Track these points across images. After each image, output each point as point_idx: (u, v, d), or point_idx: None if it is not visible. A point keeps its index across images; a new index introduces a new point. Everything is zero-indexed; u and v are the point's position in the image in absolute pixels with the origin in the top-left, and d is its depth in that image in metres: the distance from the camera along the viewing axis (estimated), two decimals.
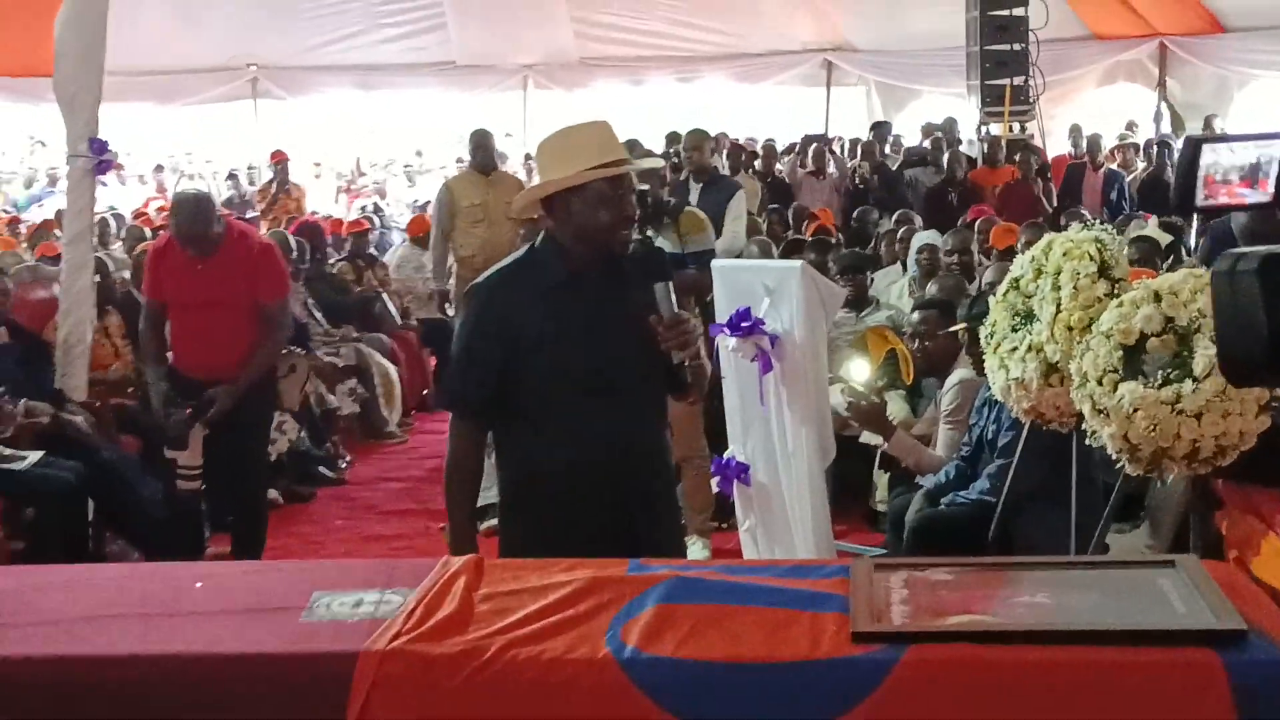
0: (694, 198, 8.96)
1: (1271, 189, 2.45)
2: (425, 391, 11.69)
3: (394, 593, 2.74)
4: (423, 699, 2.44)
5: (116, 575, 3.08)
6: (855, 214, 12.14)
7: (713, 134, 14.93)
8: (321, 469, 9.05)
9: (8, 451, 6.56)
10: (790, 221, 11.97)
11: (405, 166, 20.46)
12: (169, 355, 6.57)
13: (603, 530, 3.63)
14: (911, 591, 2.64)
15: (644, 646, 2.47)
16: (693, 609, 2.59)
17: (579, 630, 2.54)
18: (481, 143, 10.20)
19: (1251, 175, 2.45)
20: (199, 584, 2.87)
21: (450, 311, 10.88)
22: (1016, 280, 4.69)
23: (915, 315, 6.64)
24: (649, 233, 6.80)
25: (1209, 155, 2.45)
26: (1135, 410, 3.79)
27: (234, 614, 2.69)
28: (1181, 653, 2.35)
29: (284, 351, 8.01)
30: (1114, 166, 14.98)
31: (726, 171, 13.32)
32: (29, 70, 16.10)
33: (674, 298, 3.57)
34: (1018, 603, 2.63)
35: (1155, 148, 14.99)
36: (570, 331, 3.61)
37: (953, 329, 6.17)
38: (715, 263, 6.04)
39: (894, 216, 11.00)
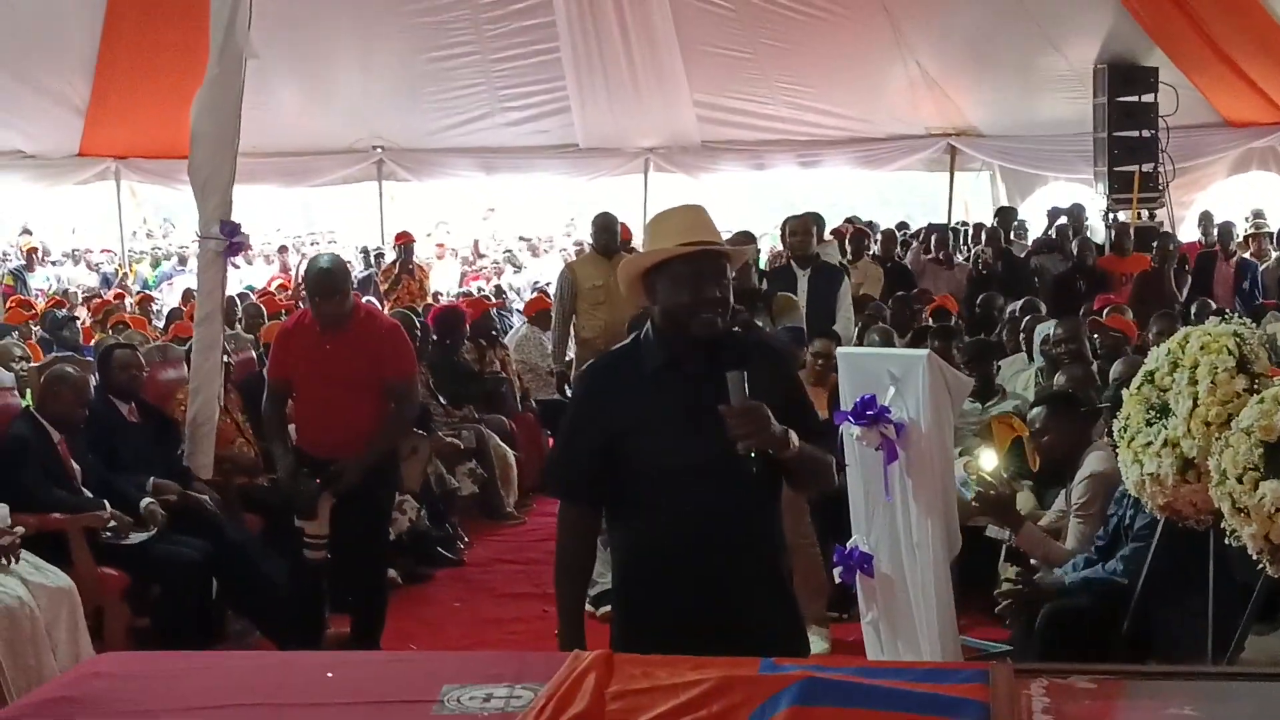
0: (801, 284, 8.98)
1: None
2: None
3: (524, 687, 2.73)
4: None
5: (250, 663, 3.10)
6: (980, 300, 12.00)
7: (835, 220, 15.00)
8: (440, 550, 9.09)
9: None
10: (911, 309, 11.88)
11: (506, 252, 20.70)
12: (292, 433, 6.66)
13: (701, 618, 3.55)
14: (1054, 700, 2.57)
15: None
16: (828, 712, 2.55)
17: None
18: (605, 225, 10.28)
19: None
20: (330, 674, 2.87)
21: (569, 393, 10.93)
22: (1151, 373, 4.60)
23: (1036, 409, 6.54)
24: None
25: None
26: (1277, 510, 3.68)
27: (365, 705, 2.69)
28: None
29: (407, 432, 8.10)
30: (1247, 255, 14.68)
31: (850, 258, 13.31)
32: (162, 152, 16.62)
33: (746, 387, 3.50)
34: (1167, 715, 2.55)
35: None
36: (667, 416, 3.60)
37: (1093, 409, 6.05)
38: (840, 350, 6.00)
39: (1020, 304, 10.87)
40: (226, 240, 7.70)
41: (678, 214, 3.76)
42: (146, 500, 6.78)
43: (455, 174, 19.21)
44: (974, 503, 5.95)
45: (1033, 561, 6.04)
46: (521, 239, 21.35)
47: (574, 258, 13.93)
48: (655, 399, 3.63)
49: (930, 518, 5.09)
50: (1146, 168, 14.55)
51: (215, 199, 7.71)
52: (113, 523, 6.58)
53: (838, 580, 5.74)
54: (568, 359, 10.51)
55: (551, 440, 11.60)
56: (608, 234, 10.26)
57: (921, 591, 5.24)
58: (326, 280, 6.36)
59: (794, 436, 3.51)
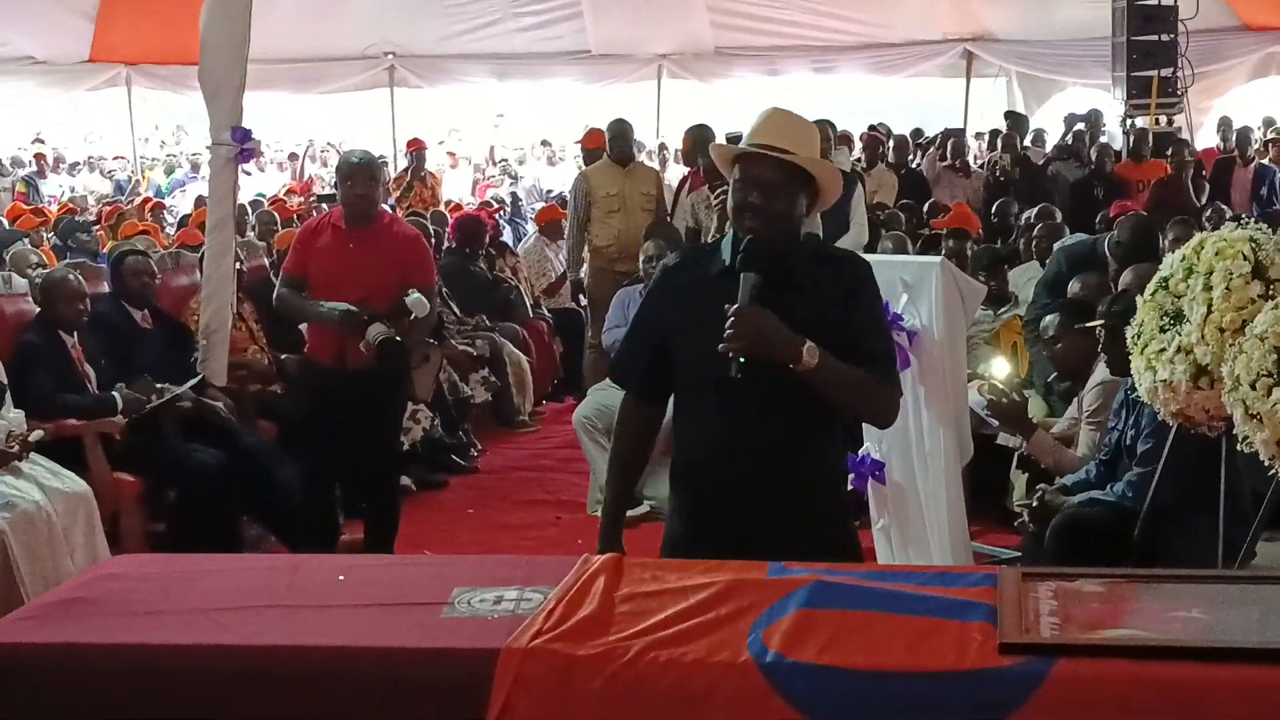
0: None
1: None
2: (556, 381, 11.75)
3: (534, 590, 2.75)
4: (562, 698, 2.44)
5: (262, 566, 3.13)
6: (995, 207, 11.92)
7: (851, 127, 14.86)
8: (454, 457, 9.13)
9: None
10: (925, 217, 11.81)
11: (501, 161, 20.60)
12: (305, 346, 6.65)
13: (725, 534, 3.49)
14: (1061, 602, 2.58)
15: (786, 652, 2.44)
16: (835, 615, 2.56)
17: (720, 634, 2.52)
18: (620, 133, 10.22)
19: None
20: (342, 577, 2.90)
21: (584, 301, 10.91)
22: (1165, 279, 4.56)
23: (1047, 318, 6.52)
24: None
25: None
26: None
27: (377, 607, 2.72)
28: None
29: (420, 341, 8.09)
30: (1265, 161, 14.56)
31: (864, 164, 13.21)
32: (172, 58, 16.51)
33: (753, 292, 3.41)
34: (1173, 617, 2.56)
35: None
36: (717, 321, 3.43)
37: (1089, 325, 6.03)
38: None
39: (1035, 211, 10.80)
40: (238, 146, 7.64)
41: (770, 115, 3.64)
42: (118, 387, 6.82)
43: (467, 80, 19.08)
44: (986, 412, 5.95)
45: (1044, 465, 6.04)
46: (544, 143, 21.21)
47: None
48: (711, 302, 3.49)
49: (942, 425, 5.12)
50: (1165, 73, 14.34)
51: (226, 105, 7.65)
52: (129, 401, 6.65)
53: (850, 487, 5.75)
54: (582, 268, 10.50)
55: (561, 348, 11.70)
56: (623, 142, 10.20)
57: (932, 498, 5.28)
58: (362, 167, 6.38)
59: (809, 351, 3.34)
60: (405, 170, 16.02)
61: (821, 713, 2.36)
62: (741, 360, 3.38)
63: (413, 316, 6.29)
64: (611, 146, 10.25)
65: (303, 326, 6.68)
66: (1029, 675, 2.33)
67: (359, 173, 6.37)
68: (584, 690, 2.43)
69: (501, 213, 15.60)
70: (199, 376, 7.01)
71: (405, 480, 8.29)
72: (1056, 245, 8.80)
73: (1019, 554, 6.07)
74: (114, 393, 6.72)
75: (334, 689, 2.50)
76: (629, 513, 7.53)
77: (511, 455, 9.71)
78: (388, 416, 6.75)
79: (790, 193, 3.49)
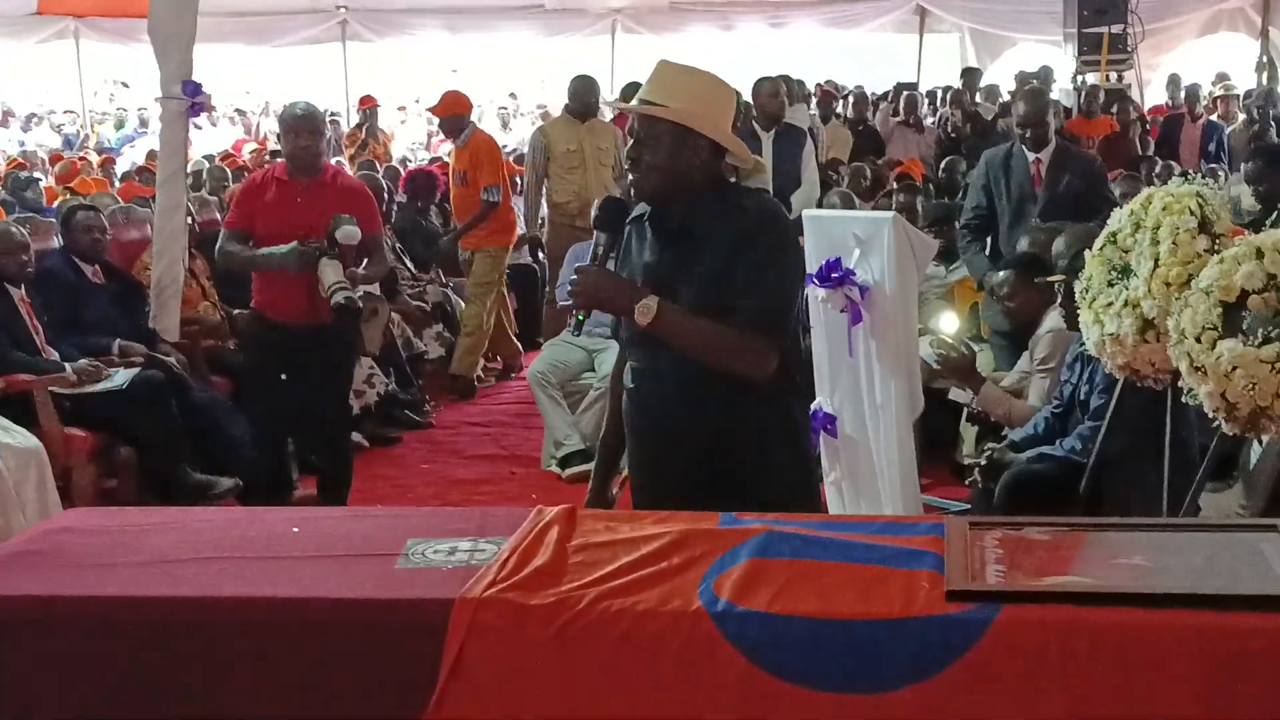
0: (766, 147, 8.94)
1: None
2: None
3: (488, 541, 2.77)
4: (516, 647, 2.46)
5: (215, 518, 3.12)
6: (944, 164, 11.97)
7: (804, 82, 14.84)
8: (408, 413, 9.12)
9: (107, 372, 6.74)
10: (870, 174, 11.84)
11: (500, 109, 20.44)
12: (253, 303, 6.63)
13: (654, 484, 3.61)
14: (1007, 550, 2.63)
15: (737, 600, 2.47)
16: (786, 564, 2.59)
17: (672, 583, 2.55)
18: (582, 88, 10.13)
19: None
20: (295, 529, 2.91)
21: (542, 257, 10.88)
22: (1114, 234, 4.61)
23: (1000, 273, 6.56)
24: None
25: None
26: (1234, 368, 3.72)
27: (330, 559, 2.73)
28: None
29: (366, 294, 8.06)
30: (1213, 118, 14.66)
31: (819, 120, 13.23)
32: (120, 11, 16.32)
33: (597, 249, 3.55)
34: (1115, 564, 2.61)
35: (1258, 106, 14.63)
36: (629, 274, 3.57)
37: (1049, 280, 6.08)
38: (806, 213, 6.00)
39: None
40: (188, 100, 7.60)
41: (655, 69, 3.64)
42: (82, 362, 6.77)
43: (419, 34, 18.96)
44: (936, 365, 6.00)
45: (994, 418, 6.10)
46: (511, 95, 21.08)
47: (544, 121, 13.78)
48: (627, 259, 3.62)
49: (894, 379, 5.14)
50: (1115, 29, 14.43)
51: (176, 58, 7.60)
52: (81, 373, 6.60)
53: None
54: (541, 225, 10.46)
55: (516, 304, 11.68)
56: (585, 97, 10.12)
57: (884, 452, 5.31)
58: (305, 118, 6.33)
59: (643, 309, 3.37)
60: (358, 127, 15.95)
61: (770, 659, 2.39)
62: (581, 316, 3.54)
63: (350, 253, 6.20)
64: (573, 100, 10.21)
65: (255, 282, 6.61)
66: (974, 621, 2.36)
67: (302, 124, 6.32)
68: (537, 639, 2.46)
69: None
70: (138, 370, 6.90)
71: (358, 437, 8.29)
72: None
73: (969, 507, 6.13)
74: (66, 364, 6.68)
75: (287, 640, 2.52)
76: (583, 467, 7.61)
77: (466, 410, 9.71)
78: (337, 371, 6.72)
79: (666, 146, 3.46)
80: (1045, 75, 15.70)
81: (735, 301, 3.41)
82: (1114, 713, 2.32)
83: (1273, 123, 13.54)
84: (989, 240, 7.82)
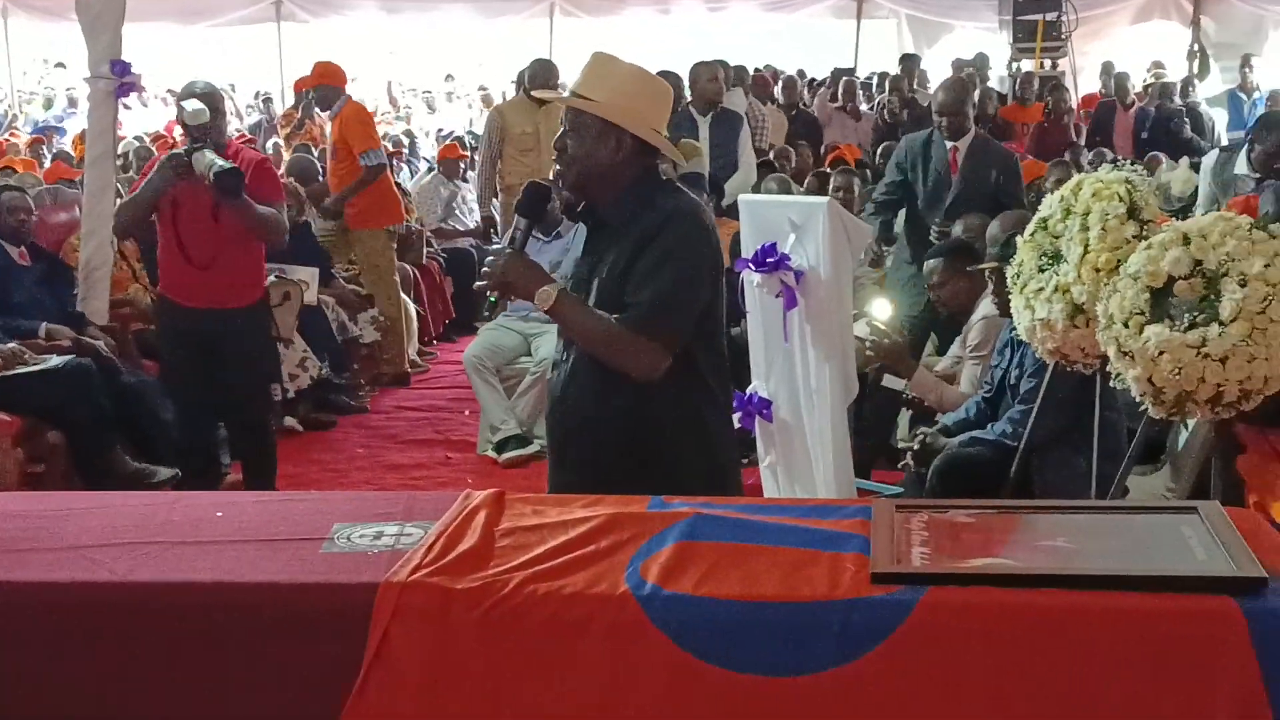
0: (703, 131, 8.93)
1: None
2: (448, 322, 11.70)
3: (414, 525, 2.75)
4: (441, 631, 2.45)
5: (136, 503, 3.08)
6: (881, 149, 12.02)
7: (744, 67, 14.84)
8: (343, 398, 9.06)
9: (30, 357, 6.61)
10: (795, 158, 11.87)
11: (425, 93, 20.33)
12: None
13: (558, 470, 3.70)
14: (932, 533, 2.63)
15: (663, 584, 2.47)
16: (713, 547, 2.59)
17: (599, 566, 2.54)
18: (542, 71, 10.04)
19: None
20: (220, 513, 2.88)
21: (495, 239, 10.81)
22: (1044, 220, 4.64)
23: (930, 261, 6.59)
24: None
25: None
26: (1161, 353, 3.76)
27: (254, 544, 2.70)
28: (1201, 600, 2.34)
29: (278, 278, 8.00)
30: (1145, 106, 14.80)
31: (758, 105, 13.24)
32: None
33: (514, 234, 3.54)
34: (1039, 547, 2.63)
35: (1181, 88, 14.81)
36: (566, 273, 3.63)
37: (981, 267, 6.12)
38: (741, 197, 6.01)
39: None
40: (117, 79, 7.50)
41: (588, 62, 3.65)
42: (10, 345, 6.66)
43: (355, 14, 18.79)
44: (868, 351, 6.02)
45: (927, 403, 6.13)
46: (448, 78, 20.96)
47: (501, 101, 13.70)
48: (575, 249, 3.69)
49: (828, 363, 5.15)
50: (1050, 16, 14.54)
51: (105, 37, 7.50)
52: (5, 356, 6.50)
53: (737, 425, 5.80)
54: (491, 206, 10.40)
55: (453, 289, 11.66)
56: (545, 79, 10.03)
57: (819, 436, 5.32)
58: (204, 96, 6.20)
59: (542, 296, 3.40)
60: (295, 107, 15.78)
61: (695, 642, 2.38)
62: (492, 299, 3.54)
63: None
64: (531, 84, 10.14)
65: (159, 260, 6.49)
66: (899, 604, 2.37)
67: (203, 101, 6.19)
68: (462, 622, 2.44)
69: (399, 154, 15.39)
70: (68, 358, 6.79)
71: (291, 421, 8.24)
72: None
73: (902, 491, 6.16)
74: None
75: (210, 624, 2.49)
76: (519, 452, 7.61)
77: (402, 395, 9.67)
78: (252, 356, 6.61)
79: (589, 139, 3.47)
80: (981, 62, 15.80)
81: (630, 299, 3.42)
82: (1036, 693, 2.33)
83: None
84: (892, 219, 7.95)
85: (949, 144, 7.55)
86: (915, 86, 15.34)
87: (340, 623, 2.45)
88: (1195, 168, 9.49)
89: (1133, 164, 4.83)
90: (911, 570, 2.46)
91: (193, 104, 6.07)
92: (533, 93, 9.34)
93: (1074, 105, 14.76)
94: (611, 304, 3.44)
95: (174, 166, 6.01)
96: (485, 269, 3.50)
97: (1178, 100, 14.48)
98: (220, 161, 5.91)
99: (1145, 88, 15.65)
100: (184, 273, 6.26)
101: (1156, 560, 2.51)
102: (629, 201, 3.51)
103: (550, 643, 2.43)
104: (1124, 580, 2.38)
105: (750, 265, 5.21)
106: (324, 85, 9.87)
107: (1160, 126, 13.18)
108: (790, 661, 2.37)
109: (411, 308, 10.61)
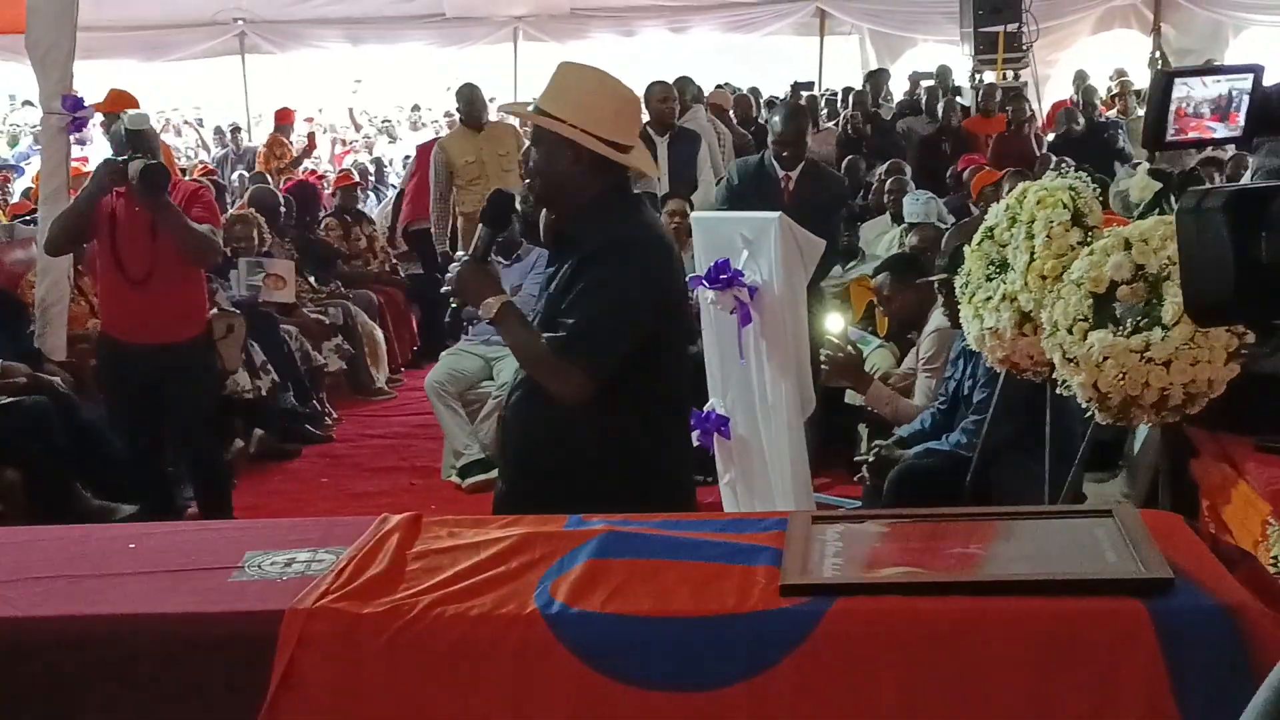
0: (661, 152, 8.93)
1: (1241, 122, 2.42)
2: (415, 348, 11.68)
3: (327, 551, 2.73)
4: (348, 657, 2.42)
5: (49, 538, 3.04)
6: (845, 164, 12.03)
7: (707, 86, 14.83)
8: (308, 427, 9.03)
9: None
10: None
11: (384, 122, 20.39)
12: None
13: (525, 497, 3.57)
14: (846, 544, 2.62)
15: (571, 602, 2.45)
16: (625, 564, 2.57)
17: (508, 587, 2.52)
18: (470, 97, 10.09)
19: (1222, 109, 2.42)
20: (132, 545, 2.85)
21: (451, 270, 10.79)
22: (991, 229, 4.64)
23: (878, 276, 6.59)
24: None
25: (1180, 89, 2.42)
26: (1105, 358, 3.75)
27: (164, 574, 2.67)
28: (1108, 602, 2.33)
29: (222, 311, 7.97)
30: (1112, 114, 14.83)
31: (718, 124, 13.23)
32: (11, 27, 16.02)
33: (478, 242, 3.58)
34: (950, 554, 2.61)
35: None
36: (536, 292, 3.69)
37: (930, 279, 6.12)
38: (694, 215, 6.01)
39: (885, 166, 10.92)
40: (69, 115, 7.50)
41: (554, 73, 3.61)
42: None
43: (320, 45, 18.78)
44: (824, 365, 6.01)
45: (883, 414, 6.12)
46: (414, 108, 20.99)
47: (445, 133, 13.71)
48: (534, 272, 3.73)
49: (784, 379, 5.15)
50: (1011, 28, 14.57)
51: (56, 73, 7.51)
52: None
53: (695, 443, 5.77)
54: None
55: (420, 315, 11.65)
56: (474, 106, 10.07)
57: (776, 451, 5.31)
58: (137, 138, 6.13)
59: (485, 307, 3.42)
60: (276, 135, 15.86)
61: (603, 660, 2.36)
62: (454, 304, 3.64)
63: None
64: (464, 112, 10.14)
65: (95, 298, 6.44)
66: (807, 615, 2.35)
67: (135, 144, 6.08)
68: (369, 648, 2.41)
69: (364, 184, 15.39)
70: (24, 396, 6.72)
71: (240, 443, 8.21)
72: None
73: (860, 503, 6.15)
74: None
75: (116, 657, 2.46)
76: (483, 476, 7.56)
77: (367, 423, 9.64)
78: (197, 390, 6.51)
79: (547, 153, 3.47)
80: (944, 74, 15.85)
81: (560, 320, 3.40)
82: (944, 700, 2.32)
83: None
84: None
85: (782, 172, 7.47)
86: (880, 101, 15.38)
87: (246, 651, 2.43)
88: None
89: (1077, 171, 4.84)
90: (820, 581, 2.45)
91: (135, 112, 6.05)
92: (500, 108, 9.35)
93: (1039, 115, 14.78)
94: (551, 322, 3.43)
95: (109, 171, 5.96)
96: (448, 273, 3.55)
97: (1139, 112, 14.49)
98: (147, 160, 5.89)
99: (1111, 96, 15.70)
100: (123, 296, 6.15)
101: (1066, 564, 2.49)
102: (591, 216, 3.48)
103: (458, 664, 2.40)
104: (1031, 585, 2.37)
105: (704, 282, 5.21)
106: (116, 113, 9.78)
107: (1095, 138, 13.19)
108: (699, 677, 2.35)
109: (377, 333, 10.59)
